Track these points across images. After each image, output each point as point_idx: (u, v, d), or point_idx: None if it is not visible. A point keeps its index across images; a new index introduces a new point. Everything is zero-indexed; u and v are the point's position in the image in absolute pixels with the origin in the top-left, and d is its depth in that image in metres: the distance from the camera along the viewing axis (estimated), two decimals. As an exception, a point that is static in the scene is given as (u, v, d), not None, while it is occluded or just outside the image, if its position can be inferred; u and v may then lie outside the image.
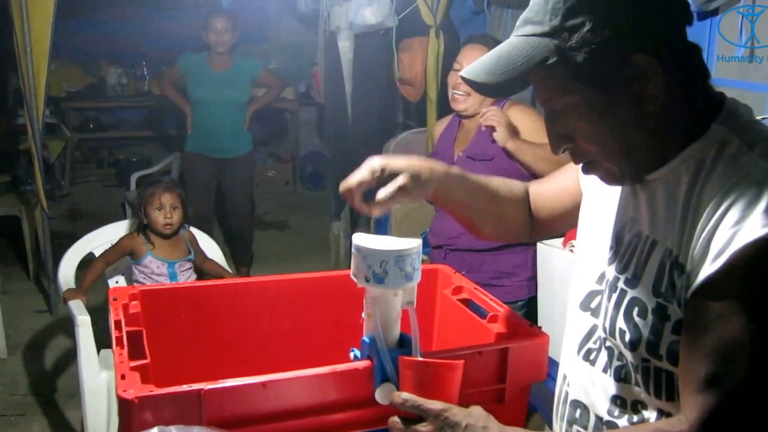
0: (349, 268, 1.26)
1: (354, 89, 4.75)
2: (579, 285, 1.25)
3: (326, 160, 6.75)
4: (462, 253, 2.83)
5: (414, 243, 1.23)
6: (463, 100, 2.85)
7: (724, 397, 0.96)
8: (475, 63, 1.11)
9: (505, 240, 2.64)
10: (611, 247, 1.17)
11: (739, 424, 0.97)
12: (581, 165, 1.14)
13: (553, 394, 1.34)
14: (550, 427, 2.01)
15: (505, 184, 1.47)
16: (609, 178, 1.12)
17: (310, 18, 5.83)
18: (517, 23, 1.09)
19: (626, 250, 1.13)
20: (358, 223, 5.18)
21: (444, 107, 4.14)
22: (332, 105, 5.04)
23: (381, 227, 4.17)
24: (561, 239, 2.73)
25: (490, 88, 1.10)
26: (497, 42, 2.87)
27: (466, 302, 1.66)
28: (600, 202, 1.25)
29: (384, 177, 1.22)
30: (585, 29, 1.00)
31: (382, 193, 1.21)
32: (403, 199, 1.23)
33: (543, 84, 1.08)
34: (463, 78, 1.12)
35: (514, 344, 1.36)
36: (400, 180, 1.22)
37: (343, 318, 1.59)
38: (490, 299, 1.59)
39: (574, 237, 2.67)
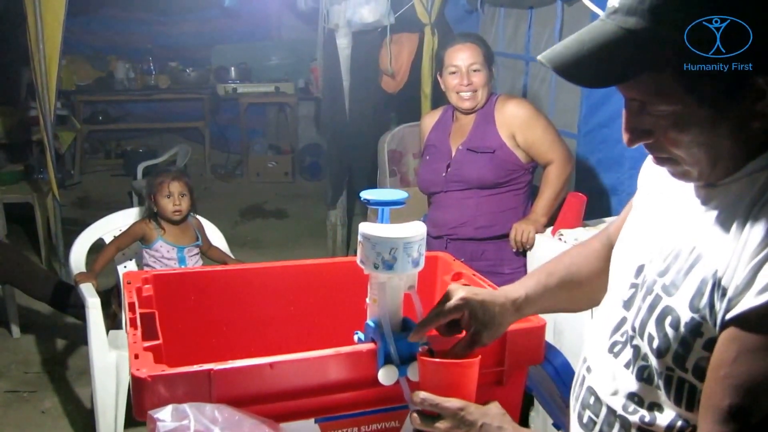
0: (346, 255, 1.25)
1: (351, 84, 4.71)
2: (618, 275, 1.16)
3: (324, 152, 6.72)
4: (464, 242, 2.73)
5: (419, 230, 1.22)
6: (471, 98, 2.72)
7: None
8: (574, 59, 0.93)
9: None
10: (655, 245, 1.07)
11: None
12: (654, 158, 1.02)
13: (550, 376, 1.32)
14: (542, 405, 2.00)
15: (586, 260, 1.33)
16: (682, 176, 1.01)
17: (309, 16, 5.80)
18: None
19: (669, 253, 1.03)
20: (354, 212, 5.15)
21: (435, 103, 4.12)
22: (330, 99, 4.99)
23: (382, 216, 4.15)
24: (550, 228, 2.70)
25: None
26: (482, 40, 2.84)
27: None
28: (652, 209, 1.14)
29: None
30: None
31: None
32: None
33: (643, 87, 0.93)
34: (555, 70, 0.94)
35: (513, 329, 1.34)
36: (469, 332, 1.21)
37: (344, 302, 1.59)
38: (489, 286, 1.57)
39: (562, 226, 2.65)
